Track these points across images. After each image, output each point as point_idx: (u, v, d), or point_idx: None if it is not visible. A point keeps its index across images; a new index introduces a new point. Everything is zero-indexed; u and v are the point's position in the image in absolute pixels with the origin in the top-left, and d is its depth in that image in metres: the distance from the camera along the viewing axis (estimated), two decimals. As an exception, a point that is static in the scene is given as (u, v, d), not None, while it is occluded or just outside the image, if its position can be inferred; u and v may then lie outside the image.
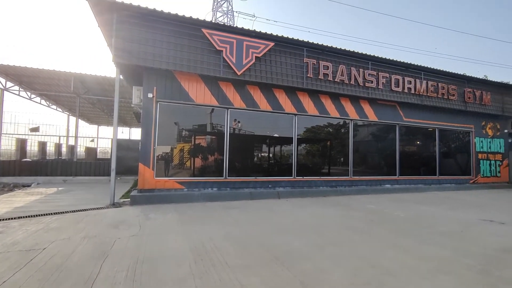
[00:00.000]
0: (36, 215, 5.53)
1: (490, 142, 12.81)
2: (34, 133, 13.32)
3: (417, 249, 4.02)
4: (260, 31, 7.97)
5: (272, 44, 8.09)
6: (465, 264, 3.48)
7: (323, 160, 10.18)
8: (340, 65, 9.07)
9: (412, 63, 10.33)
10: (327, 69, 8.85)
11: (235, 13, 34.77)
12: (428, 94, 10.64)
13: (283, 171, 9.17)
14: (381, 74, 9.74)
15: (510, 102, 12.86)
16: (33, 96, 13.74)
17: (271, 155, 9.57)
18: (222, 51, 7.54)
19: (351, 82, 9.25)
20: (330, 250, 3.90)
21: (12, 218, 5.26)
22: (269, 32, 8.03)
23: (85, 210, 6.07)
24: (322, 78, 8.79)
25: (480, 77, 12.34)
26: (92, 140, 18.73)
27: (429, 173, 11.49)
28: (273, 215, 6.09)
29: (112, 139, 7.07)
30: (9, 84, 11.76)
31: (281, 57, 8.34)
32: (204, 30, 7.38)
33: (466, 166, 12.34)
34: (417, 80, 10.45)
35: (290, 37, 8.25)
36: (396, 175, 10.63)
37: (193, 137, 8.33)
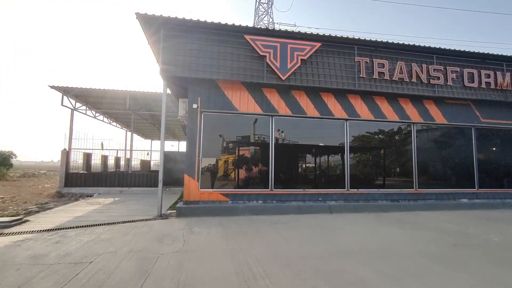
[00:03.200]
0: (91, 225, 5.73)
1: None
2: (101, 148, 14.71)
3: (539, 291, 2.92)
4: (305, 32, 7.51)
5: (318, 44, 7.51)
6: None
7: (380, 170, 9.00)
8: (398, 62, 8.02)
9: (490, 53, 8.66)
10: (383, 67, 7.88)
11: (276, 25, 35.04)
12: (514, 89, 8.75)
13: (334, 182, 8.30)
14: (449, 68, 8.34)
15: None
16: (97, 114, 15.32)
17: (320, 165, 8.79)
18: (265, 56, 7.23)
19: (412, 80, 8.08)
20: (409, 285, 3.05)
21: (70, 228, 5.52)
22: (315, 33, 7.49)
23: (134, 221, 6.13)
24: (377, 77, 7.84)
25: None
26: (148, 154, 20.10)
27: (520, 185, 9.32)
28: (326, 233, 5.34)
29: (160, 151, 7.19)
30: (77, 104, 13.26)
31: (329, 58, 7.69)
32: (247, 37, 7.19)
33: None
34: (498, 73, 8.70)
35: (339, 35, 7.57)
36: (474, 188, 8.84)
37: (237, 148, 8.08)
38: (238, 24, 7.10)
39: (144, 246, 4.35)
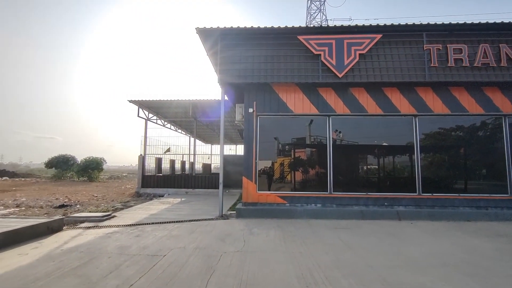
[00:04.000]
0: (164, 222, 6.39)
1: None
2: (167, 153, 16.44)
3: None
4: (363, 25, 7.00)
5: (379, 36, 6.93)
6: None
7: (460, 171, 7.75)
8: (481, 45, 6.82)
9: None
10: (460, 52, 6.82)
11: (329, 21, 33.82)
12: None
13: (402, 186, 7.48)
14: (556, 45, 6.73)
15: None
16: (165, 123, 17.11)
17: (384, 167, 8.04)
18: (320, 54, 7.01)
19: (502, 64, 6.77)
20: (509, 311, 2.54)
21: (147, 224, 6.26)
22: (374, 24, 6.94)
23: (198, 220, 6.61)
24: (453, 65, 6.82)
25: None
26: (209, 157, 21.58)
27: None
28: (396, 242, 4.84)
29: (219, 155, 7.61)
30: (150, 115, 15.05)
31: (392, 49, 7.02)
32: (300, 37, 7.09)
33: None
34: None
35: (402, 23, 6.86)
36: None
37: (293, 150, 7.99)
38: (290, 26, 7.07)
39: (209, 244, 4.64)
